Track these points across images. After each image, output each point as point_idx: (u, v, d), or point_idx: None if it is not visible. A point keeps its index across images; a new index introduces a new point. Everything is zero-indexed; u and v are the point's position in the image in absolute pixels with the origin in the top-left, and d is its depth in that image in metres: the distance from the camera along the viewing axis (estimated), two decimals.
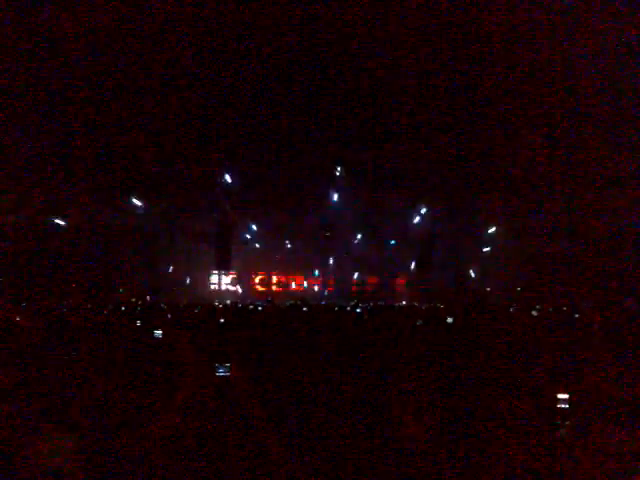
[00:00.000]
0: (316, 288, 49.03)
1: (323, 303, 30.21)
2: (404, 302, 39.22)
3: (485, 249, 36.67)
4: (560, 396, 6.22)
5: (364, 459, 5.58)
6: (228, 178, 26.23)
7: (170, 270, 41.08)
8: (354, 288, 45.91)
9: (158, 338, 10.60)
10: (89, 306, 23.47)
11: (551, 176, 22.14)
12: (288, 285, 49.78)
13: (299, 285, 49.92)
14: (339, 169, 29.82)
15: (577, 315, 17.86)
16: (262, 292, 47.96)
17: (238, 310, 20.10)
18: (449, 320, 15.52)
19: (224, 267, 31.59)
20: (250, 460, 5.57)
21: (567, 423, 6.19)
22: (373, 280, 47.34)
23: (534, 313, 19.20)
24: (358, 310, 21.00)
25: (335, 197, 30.21)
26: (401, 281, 46.86)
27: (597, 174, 19.81)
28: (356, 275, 47.18)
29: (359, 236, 38.80)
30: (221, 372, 7.72)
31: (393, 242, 39.90)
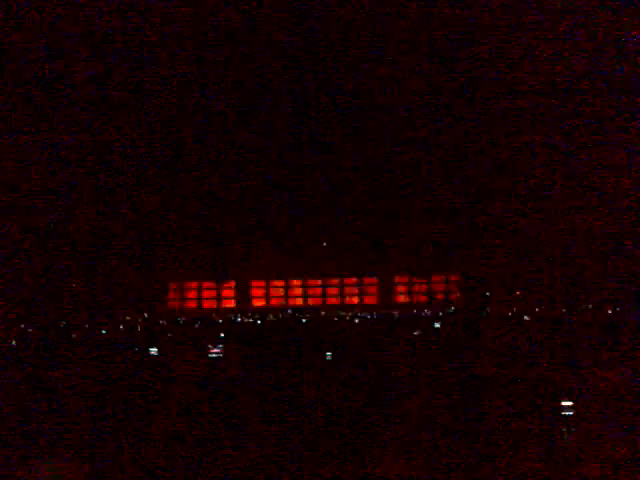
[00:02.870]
0: None
1: None
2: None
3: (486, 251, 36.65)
4: (564, 403, 6.10)
5: (365, 456, 5.48)
6: None
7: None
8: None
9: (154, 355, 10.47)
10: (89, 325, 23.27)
11: (551, 176, 22.11)
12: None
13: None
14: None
15: (576, 317, 17.74)
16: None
17: None
18: (436, 325, 15.44)
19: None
20: (246, 458, 5.47)
21: (572, 430, 6.07)
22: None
23: (526, 318, 19.06)
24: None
25: None
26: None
27: (597, 174, 19.81)
28: None
29: None
30: (214, 353, 7.63)
31: None
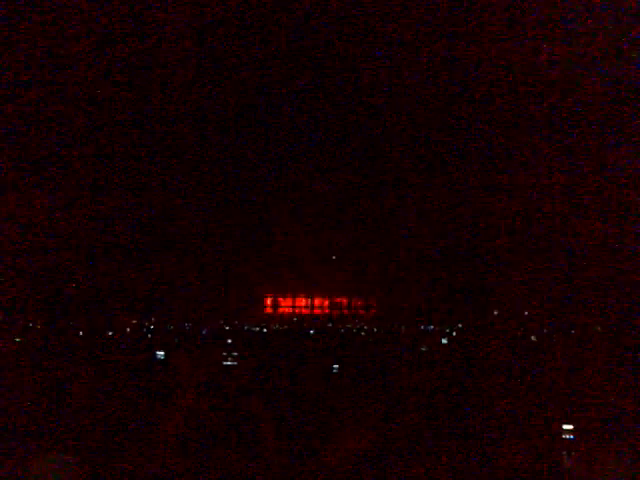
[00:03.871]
0: None
1: None
2: None
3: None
4: (565, 427, 6.13)
5: (365, 459, 5.52)
6: None
7: None
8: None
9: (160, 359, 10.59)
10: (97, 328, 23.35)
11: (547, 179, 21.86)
12: None
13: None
14: None
15: (582, 339, 17.63)
16: None
17: None
18: (444, 341, 15.33)
19: None
20: (250, 459, 5.52)
21: (573, 453, 6.09)
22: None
23: (533, 338, 18.91)
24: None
25: None
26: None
27: (595, 175, 19.57)
28: None
29: None
30: (228, 361, 7.75)
31: None
